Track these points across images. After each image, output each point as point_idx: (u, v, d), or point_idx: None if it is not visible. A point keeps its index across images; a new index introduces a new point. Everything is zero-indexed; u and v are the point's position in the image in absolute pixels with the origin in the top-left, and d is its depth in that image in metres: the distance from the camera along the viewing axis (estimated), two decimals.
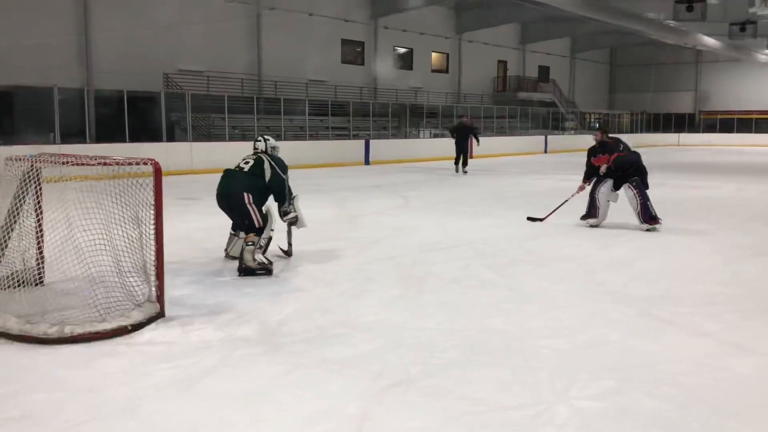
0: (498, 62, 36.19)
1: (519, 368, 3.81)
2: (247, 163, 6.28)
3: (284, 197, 6.30)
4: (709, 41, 33.39)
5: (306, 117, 22.26)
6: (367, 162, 21.41)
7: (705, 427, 3.11)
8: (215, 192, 6.22)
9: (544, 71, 39.20)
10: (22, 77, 16.50)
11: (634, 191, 8.42)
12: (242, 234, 6.11)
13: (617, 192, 8.69)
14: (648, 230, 8.38)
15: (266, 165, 6.21)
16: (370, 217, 9.75)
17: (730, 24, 31.60)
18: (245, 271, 5.80)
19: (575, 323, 4.67)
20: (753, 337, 4.40)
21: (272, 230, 6.30)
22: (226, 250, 6.54)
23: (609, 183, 8.63)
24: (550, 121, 34.99)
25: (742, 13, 30.27)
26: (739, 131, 41.53)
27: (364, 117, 24.79)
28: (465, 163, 17.10)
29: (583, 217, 8.82)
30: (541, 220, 9.22)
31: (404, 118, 26.04)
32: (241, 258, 5.87)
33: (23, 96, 16.94)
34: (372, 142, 21.88)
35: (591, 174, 8.90)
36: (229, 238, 6.51)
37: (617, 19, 27.42)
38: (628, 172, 8.48)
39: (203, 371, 3.72)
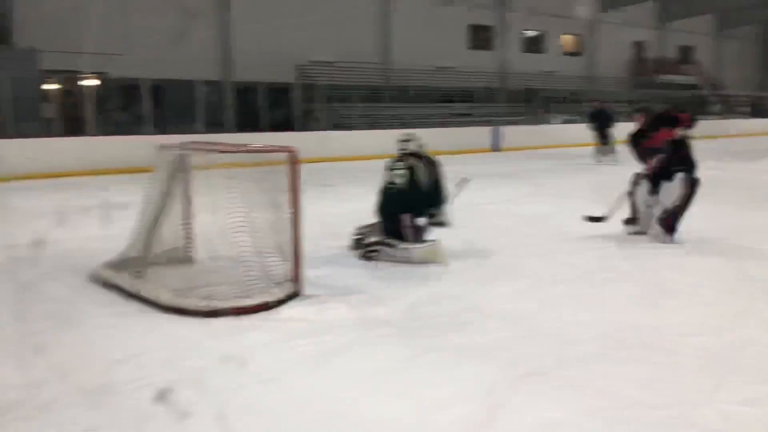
0: (634, 43, 34.41)
1: (660, 365, 3.63)
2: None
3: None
4: None
5: (433, 105, 22.25)
6: (496, 149, 21.11)
7: None
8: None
9: (685, 51, 36.84)
10: (170, 71, 17.68)
11: (685, 188, 6.67)
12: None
13: (657, 196, 6.87)
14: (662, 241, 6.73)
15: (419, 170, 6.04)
16: (500, 204, 9.61)
17: None
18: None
19: (722, 321, 4.37)
20: None
21: None
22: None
23: (644, 185, 6.94)
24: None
25: None
26: None
27: (492, 103, 24.44)
28: (611, 150, 15.61)
29: (626, 222, 7.18)
30: (602, 219, 7.23)
31: (535, 103, 25.41)
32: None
33: (170, 88, 18.14)
34: (503, 128, 21.52)
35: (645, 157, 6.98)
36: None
37: None
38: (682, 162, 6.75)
39: (338, 349, 3.85)
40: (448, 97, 23.69)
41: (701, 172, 6.82)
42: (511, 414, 3.07)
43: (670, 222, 6.73)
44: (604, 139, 15.92)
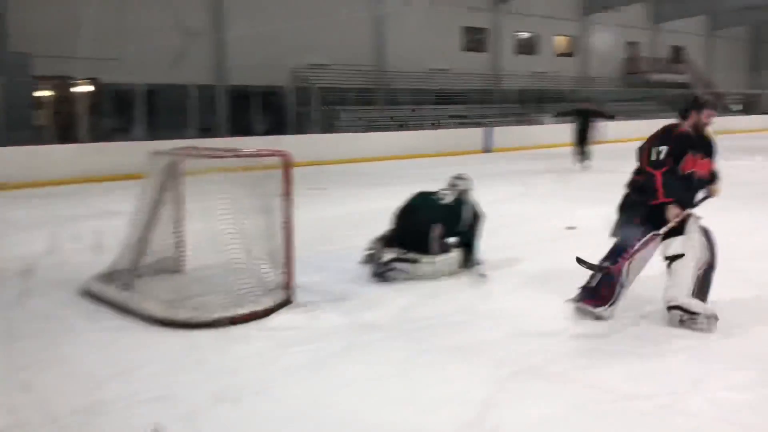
0: (627, 43, 34.54)
1: (650, 357, 3.68)
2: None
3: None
4: None
5: (427, 107, 22.30)
6: (488, 150, 21.15)
7: None
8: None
9: (678, 51, 37.00)
10: (163, 76, 17.68)
11: (709, 241, 4.36)
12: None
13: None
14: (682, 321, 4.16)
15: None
16: (490, 205, 9.61)
17: None
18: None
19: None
20: None
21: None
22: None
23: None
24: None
25: None
26: None
27: (486, 104, 24.51)
28: (586, 155, 14.85)
29: (579, 300, 4.47)
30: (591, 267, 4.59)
31: (528, 104, 25.47)
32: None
33: (164, 93, 18.12)
34: (494, 129, 21.56)
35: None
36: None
37: None
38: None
39: (331, 355, 3.86)
40: (442, 98, 23.73)
41: None
42: (502, 412, 3.10)
43: (705, 290, 4.27)
44: (582, 141, 15.03)
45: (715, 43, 40.21)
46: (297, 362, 3.77)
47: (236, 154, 4.92)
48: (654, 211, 4.26)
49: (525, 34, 29.97)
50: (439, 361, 3.73)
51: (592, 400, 3.17)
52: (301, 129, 19.21)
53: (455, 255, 5.63)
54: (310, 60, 21.35)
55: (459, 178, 6.00)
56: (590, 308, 4.35)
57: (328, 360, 3.78)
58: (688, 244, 4.21)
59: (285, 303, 4.73)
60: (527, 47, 30.16)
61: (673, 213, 4.19)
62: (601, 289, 4.35)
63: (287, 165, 4.79)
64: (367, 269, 5.62)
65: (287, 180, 4.78)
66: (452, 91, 24.35)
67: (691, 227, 4.24)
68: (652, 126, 5.12)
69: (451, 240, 5.71)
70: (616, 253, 4.41)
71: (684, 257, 4.17)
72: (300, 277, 4.97)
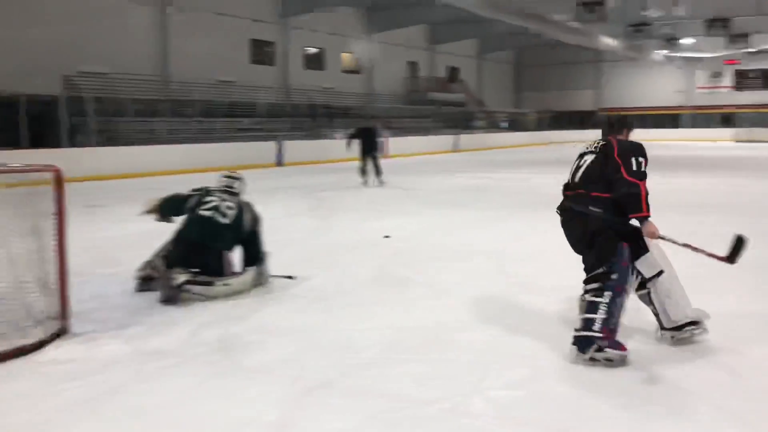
0: (408, 63, 36.59)
1: (436, 362, 3.87)
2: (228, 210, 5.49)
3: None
4: (609, 42, 35.01)
5: (217, 119, 21.78)
6: (280, 163, 21.17)
7: (614, 407, 3.25)
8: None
9: (453, 72, 39.93)
10: None
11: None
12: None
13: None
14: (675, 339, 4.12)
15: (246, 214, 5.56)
16: (282, 219, 9.63)
17: (627, 26, 33.27)
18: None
19: (490, 315, 4.78)
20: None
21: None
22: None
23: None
24: (460, 120, 35.69)
25: (638, 16, 31.93)
26: (636, 127, 43.59)
27: (276, 118, 24.51)
28: (379, 172, 14.96)
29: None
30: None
31: (317, 119, 25.92)
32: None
33: None
34: (286, 143, 21.63)
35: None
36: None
37: (522, 20, 28.31)
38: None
39: (114, 388, 3.56)
40: (233, 111, 23.32)
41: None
42: (296, 431, 3.07)
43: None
44: (367, 158, 15.00)
45: (484, 65, 44.04)
46: (74, 399, 3.42)
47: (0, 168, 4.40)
48: (634, 229, 3.96)
49: (313, 50, 30.51)
50: (234, 384, 3.61)
51: (384, 409, 3.26)
52: (75, 141, 17.75)
53: (250, 274, 5.51)
54: (83, 68, 19.84)
55: (232, 177, 5.82)
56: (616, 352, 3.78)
57: (109, 394, 3.48)
58: (658, 257, 4.02)
59: (59, 334, 4.30)
60: (315, 62, 30.73)
61: (652, 229, 3.84)
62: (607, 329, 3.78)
63: (59, 181, 4.38)
64: (152, 293, 5.30)
65: (59, 197, 4.36)
66: (242, 104, 24.03)
67: (648, 242, 4.00)
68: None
69: (239, 254, 5.58)
70: (610, 287, 3.84)
71: (664, 272, 4.00)
72: (76, 305, 4.56)
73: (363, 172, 15.02)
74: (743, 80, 44.23)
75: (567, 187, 4.18)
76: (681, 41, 39.46)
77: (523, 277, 5.99)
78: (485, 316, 4.79)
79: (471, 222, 9.21)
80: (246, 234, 5.53)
